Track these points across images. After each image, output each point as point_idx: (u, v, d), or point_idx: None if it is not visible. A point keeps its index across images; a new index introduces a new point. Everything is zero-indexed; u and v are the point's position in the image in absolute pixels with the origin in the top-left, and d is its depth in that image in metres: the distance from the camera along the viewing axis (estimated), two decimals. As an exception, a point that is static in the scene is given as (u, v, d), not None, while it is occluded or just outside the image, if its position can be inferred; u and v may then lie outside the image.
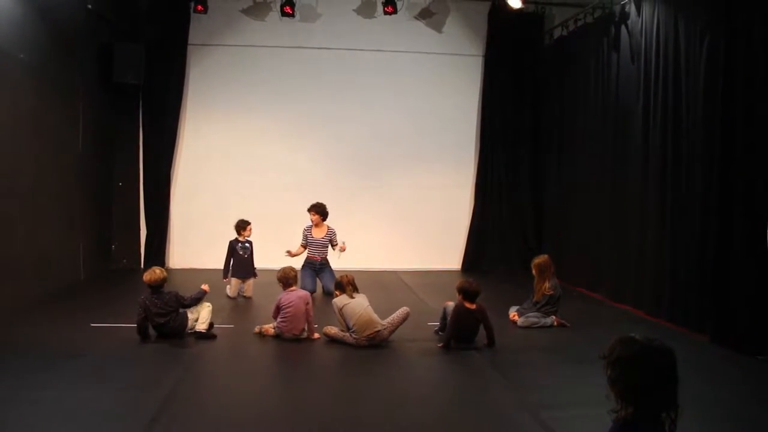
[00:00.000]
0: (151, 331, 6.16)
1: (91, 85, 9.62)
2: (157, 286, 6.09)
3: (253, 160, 10.97)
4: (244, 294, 8.35)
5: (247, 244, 8.44)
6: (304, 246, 8.87)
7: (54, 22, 8.16)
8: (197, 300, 6.26)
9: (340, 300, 6.23)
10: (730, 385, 5.18)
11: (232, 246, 8.39)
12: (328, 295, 8.46)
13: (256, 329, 6.39)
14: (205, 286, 6.32)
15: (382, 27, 11.05)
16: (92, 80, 9.65)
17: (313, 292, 8.41)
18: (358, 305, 6.10)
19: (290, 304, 6.23)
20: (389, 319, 6.19)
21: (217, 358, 5.82)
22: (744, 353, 5.85)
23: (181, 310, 6.16)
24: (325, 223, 8.86)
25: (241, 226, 8.44)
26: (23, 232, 7.46)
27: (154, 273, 6.12)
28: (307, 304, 6.31)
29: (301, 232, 8.94)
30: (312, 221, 8.81)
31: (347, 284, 6.29)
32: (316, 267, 8.81)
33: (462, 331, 6.04)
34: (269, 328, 6.32)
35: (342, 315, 6.14)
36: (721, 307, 6.25)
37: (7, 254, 7.03)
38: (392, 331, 6.17)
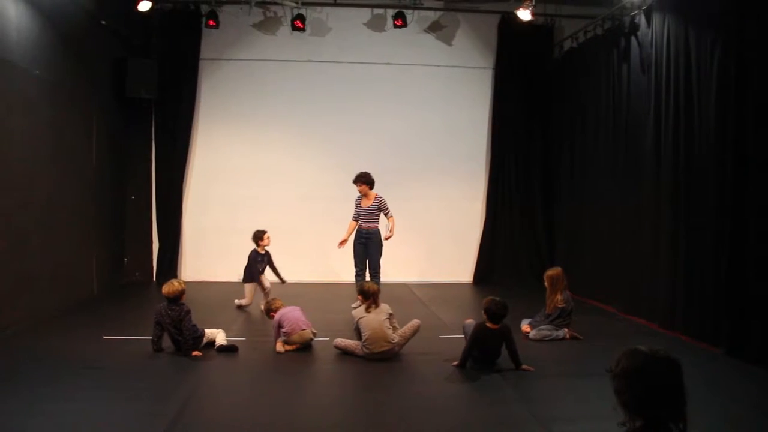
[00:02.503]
0: (167, 343, 6.18)
1: (105, 100, 9.73)
2: (174, 298, 6.09)
3: (264, 172, 11.03)
4: (265, 289, 8.47)
5: (264, 258, 8.57)
6: (356, 219, 8.86)
7: (69, 39, 8.26)
8: (195, 339, 6.15)
9: (358, 312, 6.23)
10: (745, 398, 5.11)
11: (253, 258, 8.51)
12: (373, 270, 8.71)
13: (279, 350, 6.32)
14: (197, 353, 6.10)
15: (392, 40, 11.11)
16: (106, 95, 9.77)
17: (364, 270, 8.69)
18: (374, 320, 6.09)
19: (285, 313, 6.38)
20: (400, 332, 6.18)
21: (230, 371, 5.83)
22: (759, 366, 5.78)
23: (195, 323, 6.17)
24: (372, 191, 8.84)
25: (258, 236, 8.54)
26: (38, 245, 7.53)
27: (172, 285, 6.13)
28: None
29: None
30: (360, 192, 8.81)
31: (372, 294, 6.25)
32: (363, 236, 8.78)
33: (482, 352, 5.84)
34: (280, 344, 6.32)
35: (358, 326, 6.14)
36: (735, 320, 6.20)
37: (23, 268, 7.09)
38: (403, 345, 6.16)
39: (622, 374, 2.15)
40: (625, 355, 2.19)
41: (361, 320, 6.13)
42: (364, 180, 8.75)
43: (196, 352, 6.04)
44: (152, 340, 6.15)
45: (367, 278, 8.70)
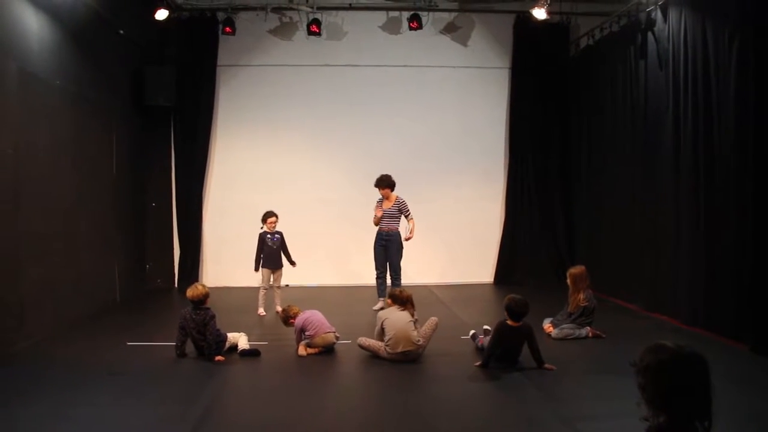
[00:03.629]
0: (189, 348, 6.23)
1: (124, 108, 9.84)
2: (198, 302, 6.14)
3: (283, 177, 11.08)
4: (275, 285, 8.52)
5: (276, 236, 8.55)
6: (381, 209, 8.79)
7: (88, 49, 8.37)
8: (218, 344, 6.18)
9: (384, 313, 6.25)
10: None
11: (262, 238, 8.53)
12: (393, 272, 8.68)
13: (302, 353, 6.33)
14: (220, 358, 6.14)
15: (408, 42, 11.13)
16: (125, 104, 9.88)
17: (384, 271, 8.68)
18: (399, 320, 6.08)
19: (308, 317, 6.41)
20: (421, 332, 6.17)
21: (252, 375, 5.86)
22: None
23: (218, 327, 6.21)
24: (393, 193, 8.81)
25: (265, 218, 8.57)
26: (62, 253, 7.62)
27: (196, 289, 6.20)
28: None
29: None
30: (382, 195, 8.78)
31: (404, 300, 6.24)
32: (384, 239, 8.76)
33: (504, 350, 5.82)
34: (303, 347, 6.34)
35: (382, 327, 6.15)
36: (760, 316, 6.12)
37: (47, 275, 7.18)
38: (425, 346, 6.15)
39: (647, 369, 2.13)
40: (650, 350, 2.16)
41: (386, 321, 6.13)
42: (386, 183, 8.73)
43: (219, 357, 6.07)
44: (176, 345, 6.19)
45: (388, 281, 8.73)
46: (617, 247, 9.44)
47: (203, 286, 6.28)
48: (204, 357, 6.09)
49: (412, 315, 6.19)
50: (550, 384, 5.38)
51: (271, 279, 8.53)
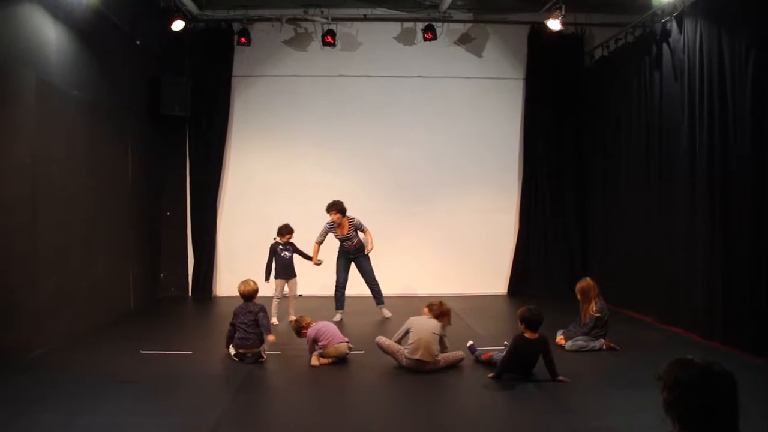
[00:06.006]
0: (230, 351, 6.42)
1: (140, 118, 9.93)
2: (249, 297, 6.51)
3: (297, 187, 11.10)
4: (290, 294, 8.55)
5: (288, 246, 8.60)
6: (320, 243, 8.71)
7: (105, 60, 8.46)
8: (265, 327, 6.44)
9: (415, 318, 6.22)
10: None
11: (274, 249, 8.57)
12: (373, 286, 8.72)
13: (314, 363, 6.32)
14: (272, 338, 6.49)
15: (423, 53, 11.16)
16: (141, 113, 9.97)
17: (344, 283, 8.67)
18: (426, 328, 6.03)
19: (321, 328, 6.44)
20: (445, 355, 6.12)
21: (266, 384, 5.87)
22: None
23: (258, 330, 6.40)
24: (345, 217, 8.72)
25: (282, 232, 8.61)
26: (78, 262, 7.68)
27: (248, 285, 6.61)
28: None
29: (321, 228, 8.77)
30: (334, 221, 8.68)
31: (444, 313, 6.22)
32: (351, 255, 8.79)
33: (520, 363, 5.77)
34: (315, 357, 6.33)
35: (408, 330, 6.12)
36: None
37: (63, 284, 7.23)
38: (441, 367, 6.07)
39: (676, 386, 2.08)
40: (678, 364, 2.11)
41: (413, 325, 6.10)
42: (338, 209, 8.64)
43: (271, 337, 6.45)
44: (227, 337, 6.56)
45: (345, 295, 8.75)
46: (632, 259, 9.37)
47: (254, 282, 6.67)
48: (244, 362, 6.27)
49: (443, 328, 6.15)
50: (566, 396, 5.33)
51: (285, 288, 8.54)
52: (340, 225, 8.70)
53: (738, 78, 6.79)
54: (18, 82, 6.48)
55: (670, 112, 8.29)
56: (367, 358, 6.37)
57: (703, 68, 7.45)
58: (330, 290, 8.85)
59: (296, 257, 8.69)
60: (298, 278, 8.62)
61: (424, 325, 6.09)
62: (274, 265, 8.51)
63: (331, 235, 8.75)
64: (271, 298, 8.54)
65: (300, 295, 8.80)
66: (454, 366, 6.16)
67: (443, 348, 6.12)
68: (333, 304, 8.75)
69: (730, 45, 6.94)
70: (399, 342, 6.19)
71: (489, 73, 11.39)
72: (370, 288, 8.85)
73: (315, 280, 9.31)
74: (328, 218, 8.70)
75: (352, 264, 8.86)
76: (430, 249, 11.12)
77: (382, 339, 6.32)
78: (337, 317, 8.51)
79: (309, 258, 8.70)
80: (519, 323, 5.77)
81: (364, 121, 11.28)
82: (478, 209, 11.32)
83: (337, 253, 8.87)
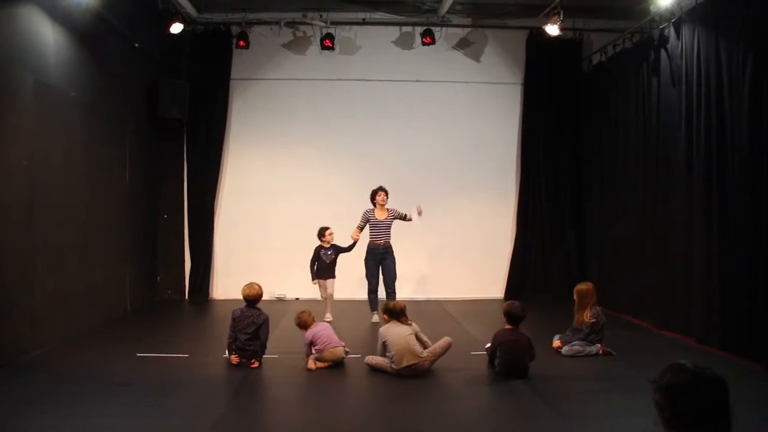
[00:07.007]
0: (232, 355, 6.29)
1: (138, 120, 9.93)
2: (253, 300, 6.30)
3: (294, 190, 11.10)
4: (330, 292, 8.77)
5: (330, 251, 8.81)
6: (361, 228, 8.80)
7: (103, 62, 8.46)
8: (263, 345, 6.31)
9: (384, 330, 6.22)
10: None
11: (317, 252, 8.81)
12: (390, 286, 8.71)
13: (311, 367, 6.30)
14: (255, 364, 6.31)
15: (421, 58, 11.17)
16: (139, 116, 9.97)
17: (377, 286, 8.73)
18: (399, 336, 6.06)
19: (318, 332, 6.38)
20: (430, 349, 6.15)
21: (262, 388, 5.86)
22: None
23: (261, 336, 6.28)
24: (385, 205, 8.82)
25: (321, 232, 8.83)
26: (74, 264, 7.67)
27: (252, 288, 6.39)
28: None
29: (361, 215, 8.89)
30: (378, 202, 8.77)
31: (400, 312, 6.24)
32: (380, 252, 8.79)
33: (507, 359, 5.90)
34: (312, 361, 6.32)
35: (384, 344, 6.13)
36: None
37: (59, 286, 7.23)
38: (433, 362, 6.12)
39: (666, 389, 2.09)
40: (670, 369, 2.12)
41: (387, 338, 6.11)
42: (386, 189, 8.78)
43: (255, 363, 6.16)
44: (228, 343, 6.30)
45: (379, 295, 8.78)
46: (629, 264, 9.38)
47: (259, 286, 6.44)
48: (242, 361, 6.18)
49: (412, 326, 6.18)
50: (561, 401, 5.33)
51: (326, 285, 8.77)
52: (382, 207, 8.80)
53: (735, 84, 6.81)
54: (16, 83, 6.47)
55: (668, 117, 8.30)
56: (363, 362, 6.35)
57: (701, 74, 7.47)
58: (347, 294, 8.88)
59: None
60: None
61: (397, 331, 6.10)
62: (316, 266, 8.76)
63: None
64: (271, 300, 8.55)
65: (296, 299, 8.82)
66: (445, 353, 6.18)
67: (423, 344, 6.15)
68: (348, 307, 8.79)
69: (728, 51, 6.96)
70: (383, 354, 6.19)
71: (487, 77, 11.41)
72: (386, 289, 8.81)
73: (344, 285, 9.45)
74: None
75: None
76: (427, 253, 11.10)
77: (369, 358, 6.32)
78: (375, 318, 8.58)
79: (349, 249, 8.88)
80: (503, 318, 6.12)
81: (361, 125, 11.28)
82: (475, 213, 11.32)
83: (364, 256, 8.90)
